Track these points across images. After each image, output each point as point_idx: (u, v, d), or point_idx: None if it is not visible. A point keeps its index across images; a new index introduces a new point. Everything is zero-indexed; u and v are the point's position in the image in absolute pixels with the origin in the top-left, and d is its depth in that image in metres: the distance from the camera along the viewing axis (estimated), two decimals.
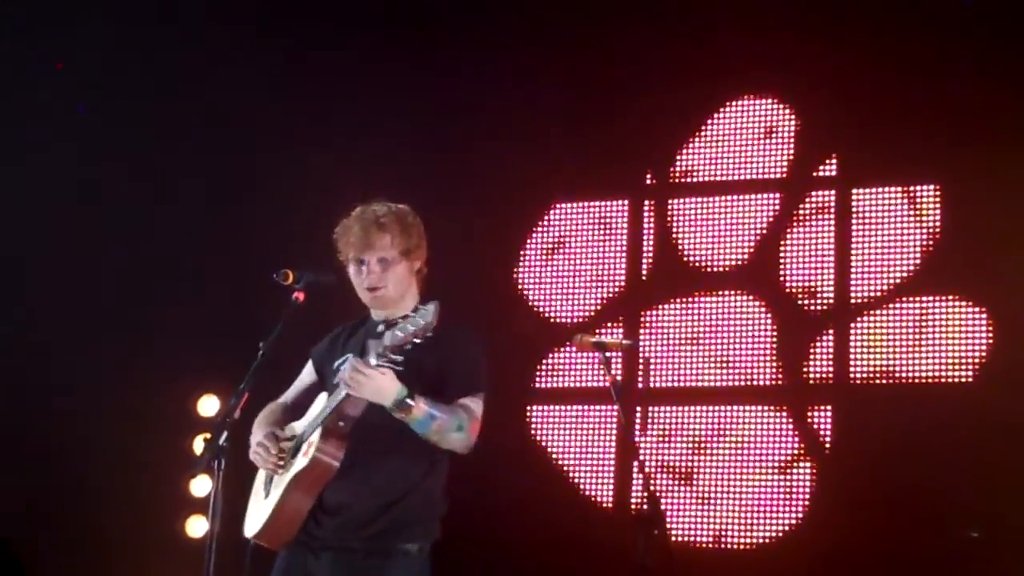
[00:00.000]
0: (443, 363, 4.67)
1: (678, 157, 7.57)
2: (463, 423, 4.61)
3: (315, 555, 4.68)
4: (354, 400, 4.51)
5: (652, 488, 6.51)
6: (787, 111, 7.42)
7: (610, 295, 7.55)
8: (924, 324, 6.93)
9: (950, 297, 6.91)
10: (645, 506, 5.24)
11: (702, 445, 7.19)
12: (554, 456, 7.43)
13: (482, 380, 4.74)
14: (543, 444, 7.47)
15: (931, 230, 7.00)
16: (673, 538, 6.98)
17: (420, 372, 4.57)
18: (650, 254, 7.53)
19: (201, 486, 7.20)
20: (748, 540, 7.01)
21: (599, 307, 7.54)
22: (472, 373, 4.72)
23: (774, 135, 7.43)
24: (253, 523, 4.70)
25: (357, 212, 4.87)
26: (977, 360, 6.80)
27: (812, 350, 7.12)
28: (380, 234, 4.80)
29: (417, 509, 4.72)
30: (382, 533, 4.64)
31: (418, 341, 4.42)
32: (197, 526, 7.23)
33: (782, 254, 7.27)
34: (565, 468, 7.40)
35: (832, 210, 7.23)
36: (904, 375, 6.92)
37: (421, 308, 4.45)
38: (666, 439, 7.25)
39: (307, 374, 4.98)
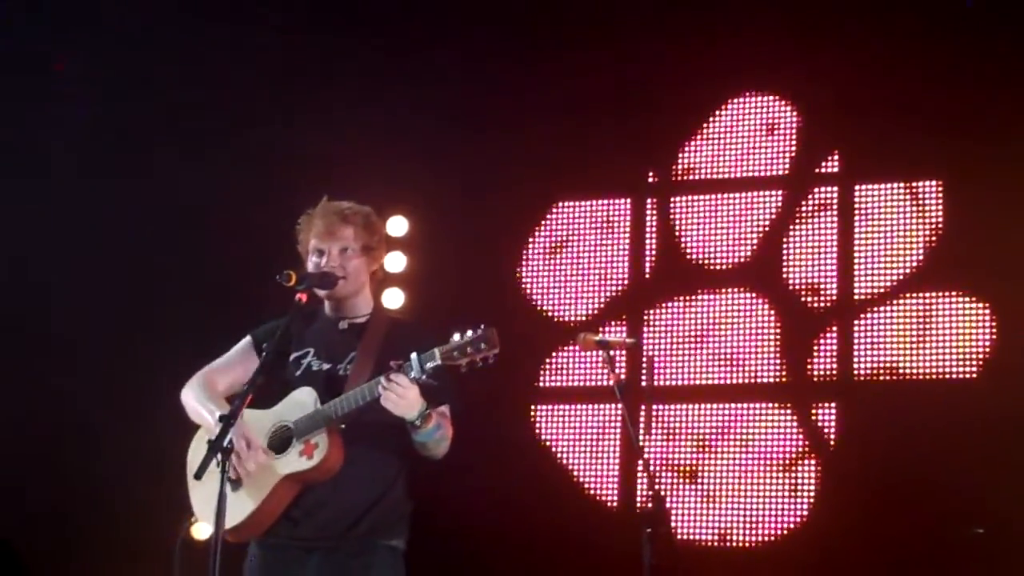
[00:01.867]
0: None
1: (680, 155, 7.56)
2: (447, 433, 4.70)
3: (297, 558, 4.68)
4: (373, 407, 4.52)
5: (657, 486, 6.55)
6: (789, 108, 7.41)
7: (613, 293, 7.55)
8: (928, 320, 6.92)
9: (953, 293, 6.90)
10: (650, 504, 5.23)
11: (706, 443, 7.19)
12: (558, 455, 7.42)
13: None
14: (547, 443, 7.46)
15: (934, 226, 7.00)
16: (678, 536, 6.98)
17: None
18: (653, 252, 7.52)
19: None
20: (753, 538, 7.00)
21: (602, 306, 7.53)
22: (454, 385, 4.73)
23: (776, 132, 7.43)
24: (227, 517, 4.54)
25: (321, 204, 4.91)
26: (981, 355, 6.79)
27: (816, 347, 7.11)
28: (343, 225, 4.84)
29: (397, 506, 4.78)
30: (369, 531, 4.67)
31: (467, 362, 4.42)
32: (201, 529, 7.21)
33: (785, 251, 7.26)
34: (569, 467, 7.39)
35: (835, 207, 7.22)
36: (908, 371, 6.91)
37: (482, 330, 4.44)
38: (670, 437, 7.24)
39: (243, 353, 4.93)
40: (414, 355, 4.46)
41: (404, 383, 4.47)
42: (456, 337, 4.44)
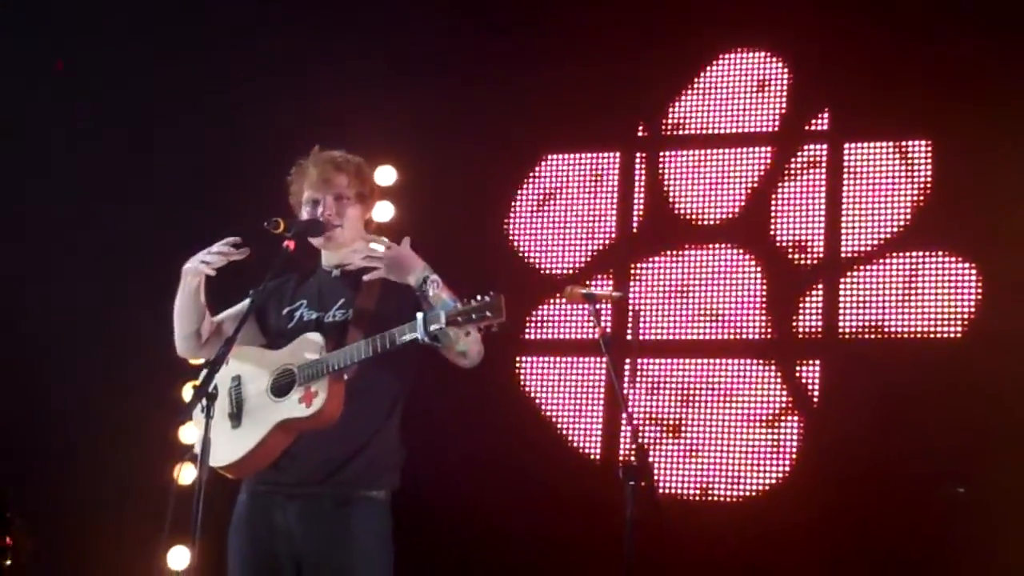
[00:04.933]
0: (415, 301, 4.66)
1: (670, 110, 7.55)
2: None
3: (280, 504, 4.70)
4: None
5: (640, 440, 6.57)
6: (780, 65, 7.40)
7: (600, 247, 7.55)
8: (914, 279, 6.93)
9: (940, 253, 6.91)
10: (633, 458, 5.24)
11: (690, 398, 7.21)
12: (542, 407, 7.44)
13: None
14: (532, 395, 7.47)
15: (922, 185, 7.00)
16: (660, 490, 7.01)
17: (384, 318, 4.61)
18: (641, 206, 7.52)
19: (190, 433, 7.20)
20: (735, 493, 7.03)
21: (589, 259, 7.53)
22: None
23: (767, 89, 7.41)
24: (222, 453, 4.63)
25: (314, 154, 4.91)
26: (966, 316, 6.81)
27: (801, 304, 7.12)
28: (338, 174, 4.86)
29: (381, 456, 4.77)
30: (350, 480, 4.67)
31: (471, 324, 4.40)
32: (186, 473, 7.22)
33: (773, 208, 7.26)
34: (553, 419, 7.41)
35: (823, 164, 7.22)
36: (893, 330, 6.92)
37: (491, 297, 4.40)
38: (654, 391, 7.26)
39: (243, 309, 4.89)
40: (419, 315, 4.45)
41: (383, 250, 4.58)
42: (463, 302, 4.43)
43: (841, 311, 7.03)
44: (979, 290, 6.80)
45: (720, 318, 7.26)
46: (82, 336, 7.72)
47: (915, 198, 7.00)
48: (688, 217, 7.41)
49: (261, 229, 4.63)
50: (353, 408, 4.65)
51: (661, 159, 7.51)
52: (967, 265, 6.85)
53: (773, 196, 7.27)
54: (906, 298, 6.92)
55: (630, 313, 7.31)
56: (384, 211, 7.55)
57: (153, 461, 7.10)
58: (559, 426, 7.40)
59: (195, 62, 7.87)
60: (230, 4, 7.86)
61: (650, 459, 6.93)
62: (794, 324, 7.13)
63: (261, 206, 4.97)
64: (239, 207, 6.65)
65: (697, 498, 7.08)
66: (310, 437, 4.64)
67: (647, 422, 7.21)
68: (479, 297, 4.40)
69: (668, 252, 7.41)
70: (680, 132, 7.52)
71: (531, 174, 7.70)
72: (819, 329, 7.07)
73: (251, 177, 7.09)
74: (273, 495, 4.72)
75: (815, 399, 7.02)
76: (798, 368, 7.07)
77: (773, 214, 7.25)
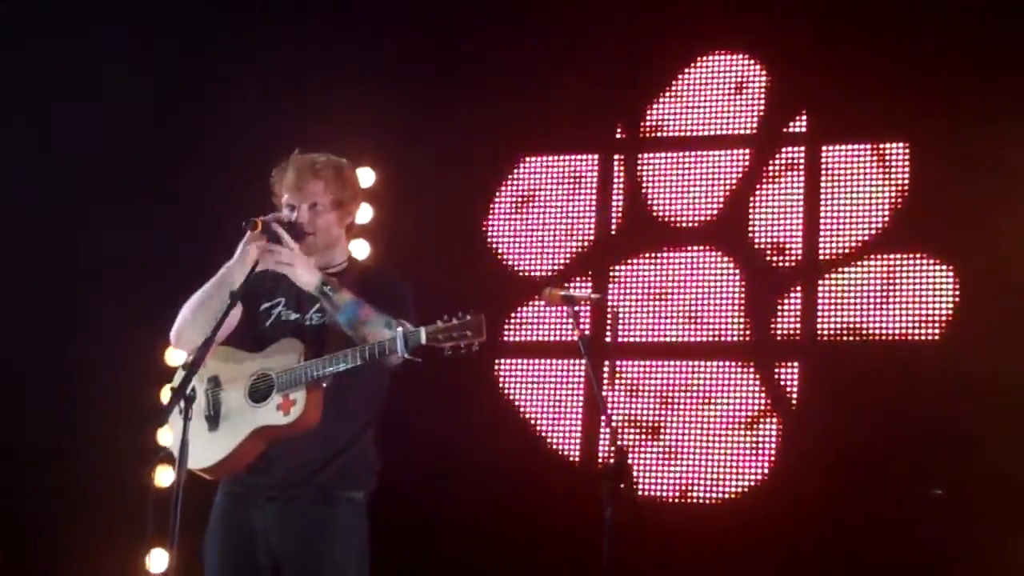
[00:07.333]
0: (393, 303, 4.67)
1: (648, 112, 7.55)
2: (391, 323, 4.56)
3: (258, 506, 4.69)
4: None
5: (619, 442, 6.56)
6: (757, 67, 7.41)
7: (579, 249, 7.55)
8: (892, 282, 6.95)
9: (918, 255, 6.93)
10: (612, 460, 5.24)
11: (669, 400, 7.21)
12: (521, 409, 7.43)
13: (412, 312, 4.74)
14: (511, 397, 7.47)
15: (900, 188, 7.01)
16: (639, 492, 7.01)
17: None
18: (619, 208, 7.52)
19: (166, 435, 7.17)
20: (714, 495, 7.04)
21: (568, 261, 7.54)
22: (401, 304, 4.73)
23: (744, 91, 7.42)
24: (199, 456, 4.59)
25: (294, 156, 4.88)
26: (943, 318, 6.83)
27: (780, 306, 7.13)
28: (314, 180, 4.83)
29: (360, 459, 4.77)
30: (328, 482, 4.68)
31: (450, 347, 4.40)
32: (164, 475, 7.20)
33: (751, 210, 7.27)
34: (532, 421, 7.41)
35: (802, 167, 7.23)
36: (871, 332, 6.94)
37: (471, 316, 4.41)
38: (633, 394, 7.27)
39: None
40: (400, 330, 4.45)
41: (283, 249, 4.56)
42: (444, 319, 4.43)
43: (819, 313, 7.04)
44: (956, 292, 6.82)
45: (699, 320, 7.26)
46: (55, 339, 7.67)
47: (893, 200, 7.02)
48: (666, 219, 7.42)
49: (240, 229, 4.63)
50: (332, 413, 4.65)
51: (639, 161, 7.52)
52: (944, 267, 6.87)
53: (751, 198, 7.28)
54: (884, 300, 6.94)
55: (608, 315, 7.32)
56: (363, 213, 7.53)
57: (128, 464, 7.08)
58: (538, 428, 7.39)
59: (171, 66, 7.84)
60: (206, 8, 7.83)
61: (629, 461, 6.93)
62: (772, 326, 7.13)
63: (239, 207, 4.96)
64: (216, 207, 6.64)
65: (676, 500, 7.09)
66: (289, 440, 4.64)
67: (626, 424, 7.21)
68: (460, 315, 4.41)
69: (647, 254, 7.41)
70: (658, 134, 7.52)
71: (510, 176, 7.70)
72: (797, 331, 7.08)
73: (229, 178, 7.09)
74: (251, 497, 4.71)
75: (793, 401, 7.03)
76: (777, 370, 7.08)
77: (751, 216, 7.26)
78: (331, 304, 4.59)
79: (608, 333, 7.30)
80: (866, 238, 7.03)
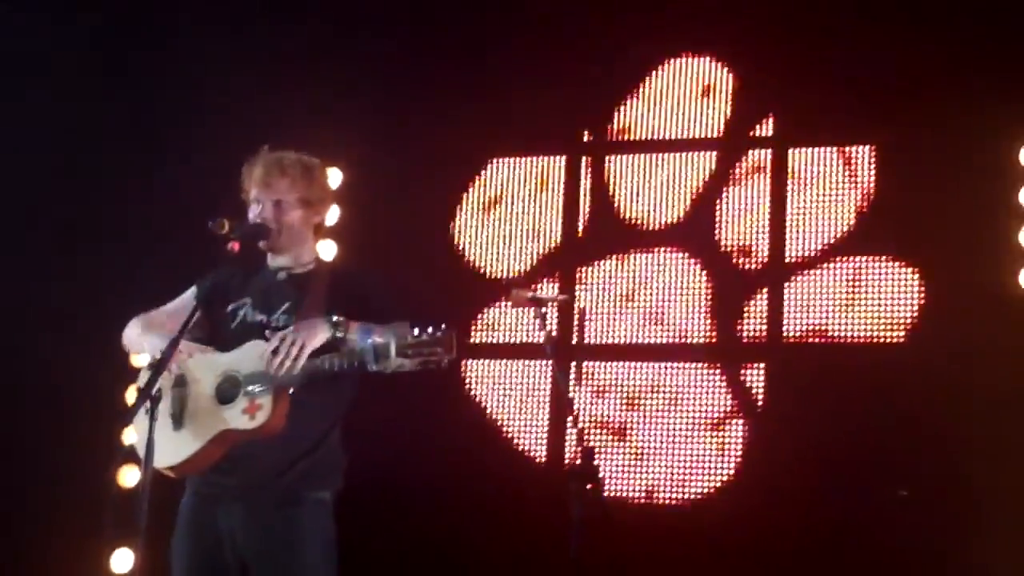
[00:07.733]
0: (362, 304, 4.67)
1: (615, 114, 7.57)
2: (379, 336, 4.54)
3: (224, 507, 4.68)
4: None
5: (586, 443, 6.57)
6: (724, 70, 7.43)
7: (546, 251, 7.55)
8: (857, 284, 6.98)
9: (883, 258, 6.96)
10: (578, 461, 5.25)
11: (636, 401, 7.22)
12: (488, 410, 7.43)
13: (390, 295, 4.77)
14: (477, 398, 7.47)
15: (866, 191, 7.04)
16: (606, 493, 7.02)
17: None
18: (587, 211, 7.53)
19: (134, 435, 7.14)
20: (680, 496, 7.05)
21: (535, 263, 7.54)
22: (394, 306, 4.72)
23: (711, 94, 7.44)
24: (163, 454, 4.56)
25: (264, 152, 4.87)
26: (909, 321, 6.86)
27: (746, 308, 7.16)
28: (280, 177, 4.82)
29: (327, 459, 4.76)
30: (295, 482, 4.67)
31: (419, 361, 4.41)
32: (129, 475, 7.17)
33: (718, 213, 7.29)
34: (499, 422, 7.41)
35: (768, 170, 7.26)
36: (837, 334, 6.97)
37: (442, 332, 4.41)
38: (600, 395, 7.27)
39: (189, 301, 4.87)
40: (369, 341, 4.44)
41: (282, 343, 4.52)
42: (415, 332, 4.42)
43: (785, 315, 7.07)
44: (922, 295, 6.86)
45: (665, 322, 7.28)
46: (18, 337, 7.63)
47: (858, 203, 7.05)
48: (633, 221, 7.43)
49: (207, 229, 4.62)
50: (298, 415, 4.64)
51: (607, 163, 7.53)
52: (910, 270, 6.90)
53: (718, 201, 7.30)
54: (850, 302, 6.97)
55: (575, 316, 7.33)
56: (330, 213, 7.51)
57: (94, 463, 7.06)
58: (505, 429, 7.39)
59: (140, 64, 7.82)
60: (176, 6, 7.81)
61: (596, 462, 6.94)
62: (739, 328, 7.15)
63: (208, 205, 4.95)
64: (186, 206, 6.63)
65: (643, 501, 7.10)
66: (254, 442, 4.63)
67: (592, 425, 7.22)
68: (430, 330, 4.40)
69: (614, 256, 7.43)
70: (625, 137, 7.53)
71: (477, 177, 7.70)
72: (764, 333, 7.10)
73: (199, 177, 7.08)
74: (218, 496, 4.70)
75: (760, 403, 7.05)
76: (743, 372, 7.10)
77: (718, 219, 7.28)
78: (348, 335, 4.58)
79: (575, 334, 7.30)
80: (832, 241, 7.06)
